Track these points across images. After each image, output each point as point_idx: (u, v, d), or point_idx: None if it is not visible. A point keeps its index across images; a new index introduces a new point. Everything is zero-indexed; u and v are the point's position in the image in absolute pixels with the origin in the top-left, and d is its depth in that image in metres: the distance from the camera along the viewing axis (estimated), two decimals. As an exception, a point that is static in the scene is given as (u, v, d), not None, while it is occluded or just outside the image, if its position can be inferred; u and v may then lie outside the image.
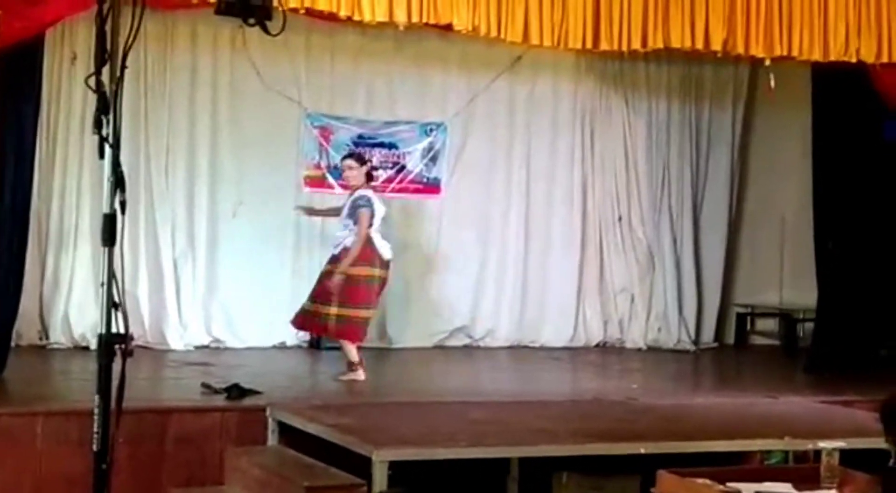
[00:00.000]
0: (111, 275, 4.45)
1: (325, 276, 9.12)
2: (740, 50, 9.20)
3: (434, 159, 11.64)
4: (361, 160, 9.50)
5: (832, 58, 9.29)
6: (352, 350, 9.09)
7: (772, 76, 9.68)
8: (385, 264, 9.15)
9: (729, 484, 5.11)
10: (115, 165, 4.44)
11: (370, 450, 6.10)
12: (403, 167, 11.50)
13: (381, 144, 11.42)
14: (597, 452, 6.67)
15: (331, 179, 11.18)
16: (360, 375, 9.08)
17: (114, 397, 4.43)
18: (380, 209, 9.15)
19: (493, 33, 8.74)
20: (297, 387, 9.04)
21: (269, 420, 7.23)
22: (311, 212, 10.29)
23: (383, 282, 9.24)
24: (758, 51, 9.21)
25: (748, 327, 12.83)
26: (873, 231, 10.39)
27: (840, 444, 6.42)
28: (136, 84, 10.36)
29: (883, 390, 4.93)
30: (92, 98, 4.50)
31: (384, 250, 9.13)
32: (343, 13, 8.26)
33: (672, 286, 12.20)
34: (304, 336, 11.07)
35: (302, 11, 8.09)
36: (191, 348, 10.62)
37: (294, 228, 11.18)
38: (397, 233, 11.43)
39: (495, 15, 8.66)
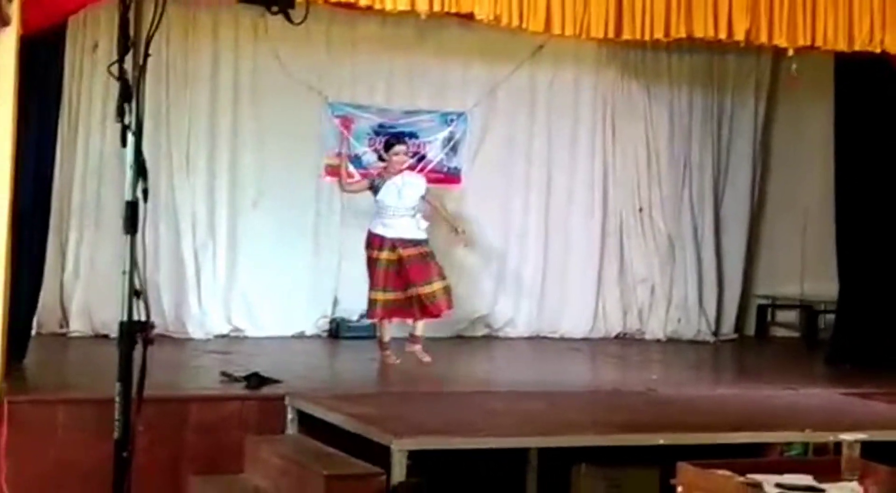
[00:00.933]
0: (133, 263, 4.45)
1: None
2: (763, 39, 9.14)
3: (454, 149, 11.63)
4: (404, 141, 9.91)
5: (856, 48, 9.22)
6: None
7: (794, 66, 9.63)
8: (392, 246, 9.34)
9: (749, 476, 5.09)
10: (138, 153, 4.44)
11: (389, 439, 6.10)
12: (424, 157, 11.49)
13: (402, 134, 11.40)
14: (616, 443, 6.66)
15: (351, 168, 11.16)
16: (388, 358, 9.41)
17: (135, 386, 4.44)
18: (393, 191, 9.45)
19: (515, 23, 8.71)
20: (316, 376, 9.06)
21: (289, 409, 7.25)
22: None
23: (396, 263, 9.36)
24: (781, 40, 9.15)
25: (769, 318, 12.79)
26: (895, 223, 10.33)
27: (861, 436, 6.37)
28: (158, 72, 10.38)
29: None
30: (113, 86, 4.49)
31: (389, 230, 9.37)
32: (364, 2, 8.25)
33: (693, 277, 12.17)
34: (324, 325, 11.10)
35: (322, 2, 8.08)
36: (211, 337, 10.65)
37: (314, 218, 11.19)
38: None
39: (517, 4, 8.63)
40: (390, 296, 9.38)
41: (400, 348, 9.59)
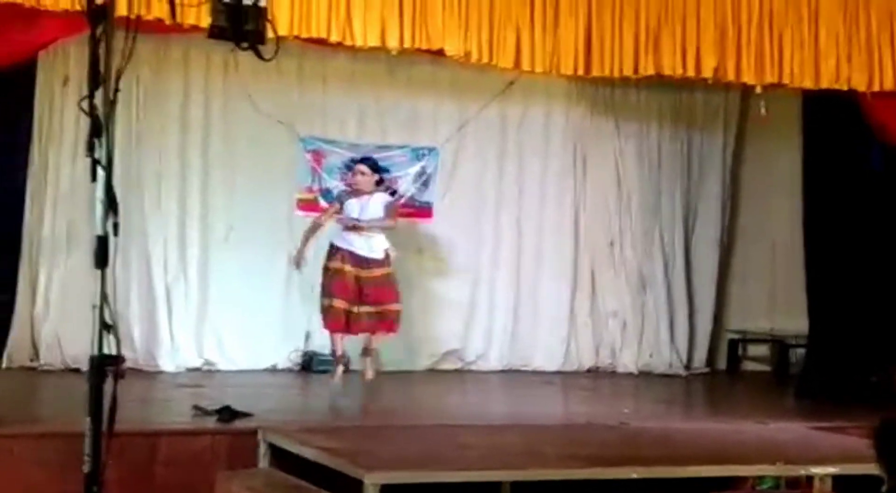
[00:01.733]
0: (103, 297, 4.46)
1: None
2: (731, 77, 9.25)
3: (426, 184, 11.66)
4: (375, 168, 9.78)
5: (823, 85, 9.34)
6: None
7: (762, 104, 9.72)
8: (354, 261, 9.40)
9: (720, 509, 5.10)
10: (108, 187, 4.45)
11: (361, 473, 6.08)
12: (395, 191, 11.51)
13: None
14: (589, 476, 6.66)
15: (323, 203, 11.19)
16: (335, 371, 9.50)
17: (105, 419, 4.43)
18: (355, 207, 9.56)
19: (485, 59, 8.79)
20: (288, 410, 9.03)
21: (261, 443, 7.22)
22: (299, 256, 10.01)
23: (359, 279, 9.43)
24: (749, 78, 9.26)
25: (740, 352, 12.83)
26: (864, 258, 10.41)
27: (832, 470, 6.43)
28: (129, 107, 10.37)
29: (874, 417, 4.92)
30: (84, 120, 4.51)
31: (346, 243, 9.46)
32: (335, 38, 8.30)
33: (664, 312, 12.21)
34: (296, 359, 11.08)
35: (292, 38, 8.11)
36: (182, 371, 10.60)
37: (285, 252, 11.16)
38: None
39: (487, 41, 8.71)
40: (335, 304, 9.37)
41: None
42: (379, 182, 9.76)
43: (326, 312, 9.46)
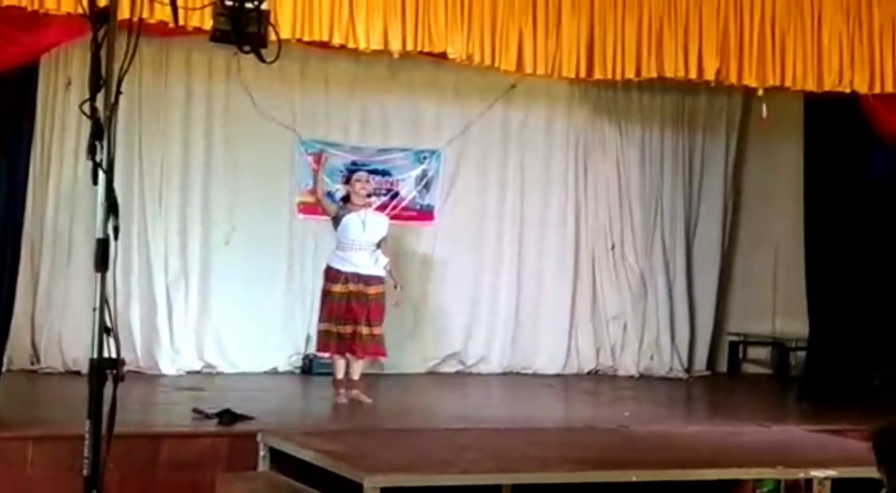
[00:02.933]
0: (103, 300, 4.44)
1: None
2: (733, 80, 9.24)
3: (427, 186, 11.67)
4: (367, 174, 9.76)
5: (826, 88, 9.32)
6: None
7: (764, 106, 9.71)
8: (346, 279, 9.23)
9: (720, 512, 5.10)
10: (109, 190, 4.44)
11: (361, 476, 6.08)
12: (397, 194, 11.53)
13: (375, 171, 11.42)
14: (589, 479, 6.65)
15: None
16: (340, 397, 9.33)
17: (105, 422, 4.42)
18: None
19: (487, 62, 8.78)
20: (288, 413, 9.04)
21: (261, 446, 7.21)
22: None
23: (351, 296, 9.24)
24: (751, 81, 9.25)
25: (741, 355, 12.84)
26: (864, 260, 10.41)
27: (832, 473, 6.43)
28: (131, 110, 10.39)
29: (875, 420, 4.92)
30: (86, 123, 4.50)
31: (347, 265, 9.26)
32: (337, 41, 8.30)
33: (665, 314, 12.21)
34: (297, 362, 11.08)
35: (294, 41, 8.12)
36: (183, 374, 10.61)
37: (287, 254, 11.20)
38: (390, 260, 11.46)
39: (489, 44, 8.71)
40: (342, 329, 9.22)
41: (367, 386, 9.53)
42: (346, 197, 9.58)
43: (329, 337, 9.26)
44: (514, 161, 11.93)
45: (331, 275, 9.30)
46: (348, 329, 9.20)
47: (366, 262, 9.26)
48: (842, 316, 10.40)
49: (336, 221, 9.44)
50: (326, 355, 9.50)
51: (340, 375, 9.39)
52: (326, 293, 9.30)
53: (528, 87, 11.46)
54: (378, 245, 9.38)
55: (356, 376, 9.39)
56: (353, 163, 11.34)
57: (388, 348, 11.25)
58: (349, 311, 9.19)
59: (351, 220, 9.33)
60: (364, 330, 9.21)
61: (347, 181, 9.73)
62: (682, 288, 12.38)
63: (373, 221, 9.45)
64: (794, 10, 9.24)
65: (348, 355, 9.33)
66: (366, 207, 9.52)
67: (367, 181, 9.69)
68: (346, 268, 9.24)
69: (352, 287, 9.21)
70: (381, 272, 9.36)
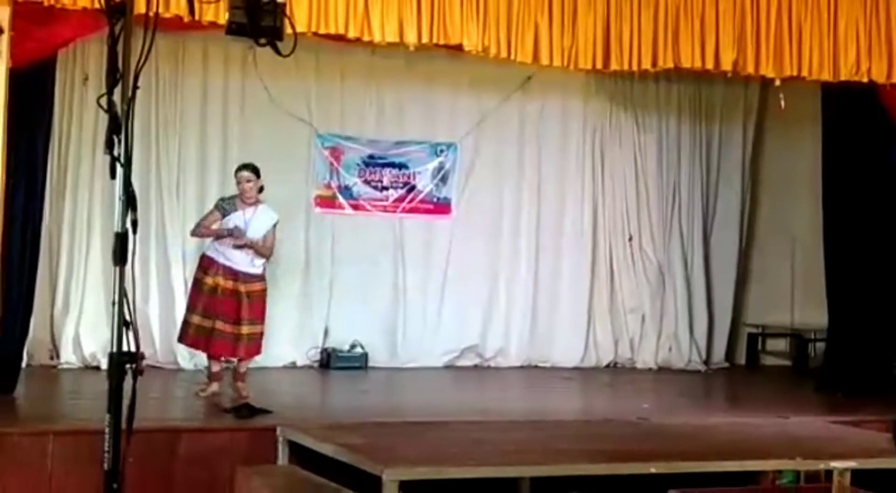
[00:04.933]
0: (122, 294, 4.44)
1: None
2: (750, 70, 9.21)
3: (444, 179, 11.66)
4: (257, 172, 9.10)
5: (842, 78, 9.29)
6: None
7: (782, 96, 9.67)
8: (224, 274, 8.84)
9: (740, 504, 5.09)
10: (127, 184, 4.44)
11: (380, 469, 6.08)
12: (414, 187, 11.52)
13: (392, 165, 11.45)
14: (607, 472, 6.65)
15: (341, 199, 11.23)
16: (212, 386, 8.96)
17: (124, 417, 4.43)
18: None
19: (504, 54, 8.77)
20: (307, 406, 9.05)
21: (280, 440, 7.22)
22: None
23: (227, 293, 8.86)
24: (768, 71, 9.22)
25: (759, 347, 12.81)
26: (884, 251, 10.36)
27: (851, 464, 6.40)
28: (148, 104, 10.42)
29: (894, 411, 4.91)
30: (103, 118, 4.50)
31: (221, 256, 8.87)
32: (353, 34, 8.29)
33: (683, 306, 12.19)
34: (315, 356, 11.09)
35: (310, 34, 8.12)
36: (201, 369, 10.61)
37: (304, 248, 11.20)
38: (408, 253, 11.48)
39: (505, 36, 8.69)
40: (206, 323, 8.79)
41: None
42: (260, 189, 9.05)
43: (189, 328, 8.83)
44: (531, 153, 11.91)
45: (203, 263, 8.90)
46: (216, 325, 8.79)
47: (241, 259, 8.88)
48: (861, 307, 10.37)
49: (222, 213, 8.97)
50: (190, 347, 9.15)
51: (216, 368, 9.03)
52: (196, 282, 8.90)
53: (545, 78, 11.44)
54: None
55: (242, 370, 9.03)
56: (370, 156, 11.35)
57: (404, 341, 11.34)
58: (214, 305, 8.81)
59: (234, 218, 8.92)
60: (254, 329, 8.89)
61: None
62: (701, 280, 12.35)
63: (256, 221, 8.98)
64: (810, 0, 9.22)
65: (201, 350, 9.04)
66: (253, 206, 9.00)
67: (251, 181, 8.99)
68: (219, 259, 8.85)
69: (221, 281, 8.82)
70: (257, 270, 8.97)
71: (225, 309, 8.81)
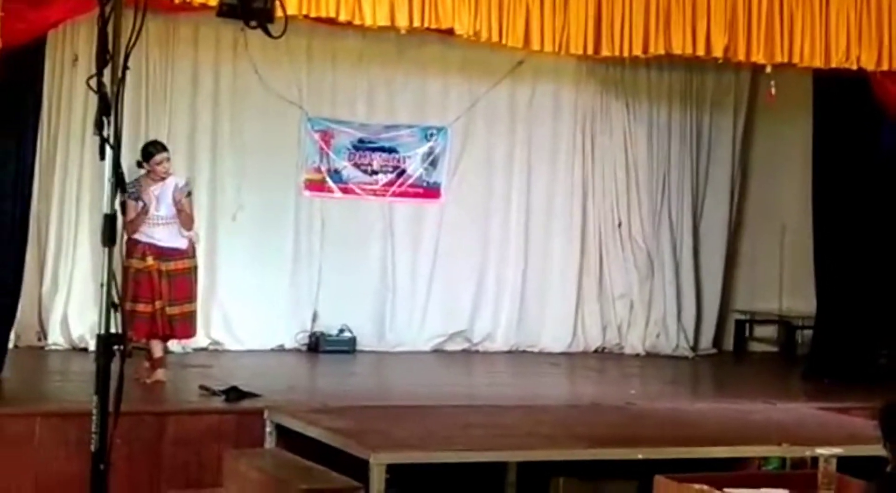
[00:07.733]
0: (111, 275, 4.45)
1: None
2: (741, 57, 9.22)
3: (434, 164, 11.65)
4: (165, 147, 8.98)
5: (833, 65, 9.31)
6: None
7: (772, 83, 9.68)
8: (144, 253, 8.66)
9: (726, 490, 5.12)
10: (116, 166, 4.44)
11: (368, 453, 6.10)
12: (404, 171, 11.51)
13: (382, 149, 11.43)
14: (594, 457, 6.67)
15: (331, 183, 11.22)
16: (157, 374, 8.71)
17: (112, 399, 4.43)
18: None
19: (495, 38, 8.76)
20: (295, 390, 9.05)
21: (268, 423, 7.23)
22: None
23: (151, 273, 8.68)
24: (759, 58, 9.23)
25: (747, 333, 12.83)
26: (872, 239, 10.38)
27: (837, 451, 6.43)
28: (138, 86, 10.38)
29: (881, 398, 4.93)
30: (93, 99, 4.50)
31: (144, 236, 8.69)
32: (344, 17, 8.28)
33: (671, 292, 12.20)
34: (303, 339, 11.09)
35: (302, 17, 8.09)
36: (189, 351, 10.61)
37: (293, 232, 11.19)
38: (397, 237, 11.47)
39: (496, 20, 8.69)
40: (143, 308, 8.59)
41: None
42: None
43: (133, 317, 8.33)
44: (521, 138, 11.91)
45: (129, 247, 8.62)
46: (148, 308, 8.62)
47: (163, 235, 8.73)
48: (849, 294, 10.39)
49: (135, 199, 8.68)
50: (142, 337, 8.71)
51: (158, 354, 8.75)
52: (125, 269, 8.44)
53: (536, 63, 11.43)
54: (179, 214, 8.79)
55: (158, 355, 8.75)
56: (360, 140, 11.34)
57: (392, 325, 11.32)
58: (151, 288, 8.63)
59: (146, 198, 8.73)
60: (184, 308, 8.75)
61: (147, 158, 8.99)
62: (689, 266, 12.37)
63: (165, 193, 8.77)
64: (801, -14, 9.23)
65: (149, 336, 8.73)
66: (159, 182, 8.77)
67: (163, 162, 8.77)
68: (143, 239, 8.67)
69: (150, 262, 8.64)
70: (181, 244, 8.80)
71: (143, 289, 8.59)
